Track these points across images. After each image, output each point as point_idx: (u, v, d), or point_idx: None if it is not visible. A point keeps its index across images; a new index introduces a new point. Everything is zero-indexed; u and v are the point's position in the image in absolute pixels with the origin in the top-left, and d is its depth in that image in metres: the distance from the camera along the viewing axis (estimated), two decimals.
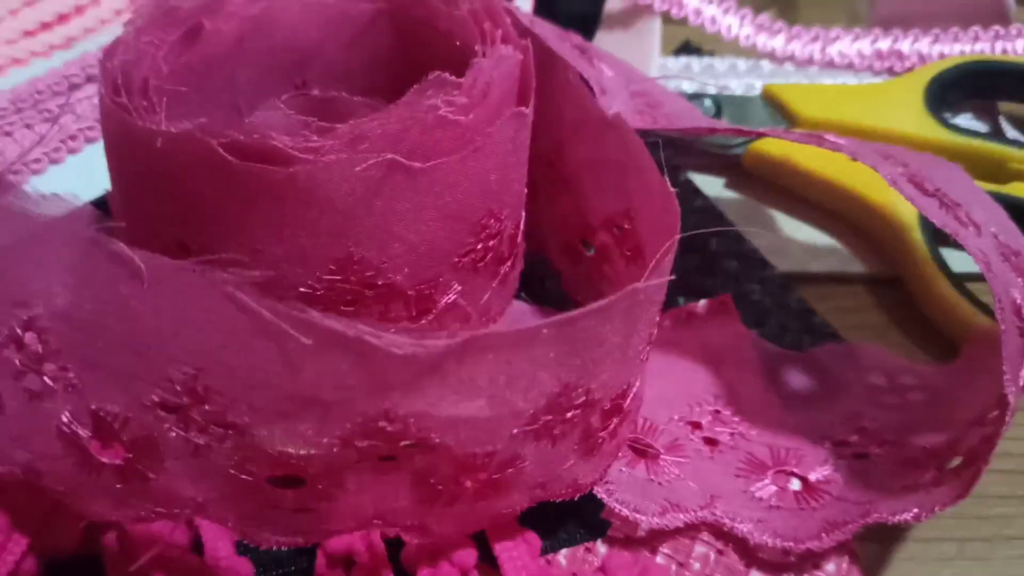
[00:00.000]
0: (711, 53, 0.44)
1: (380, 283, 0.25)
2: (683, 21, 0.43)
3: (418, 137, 0.23)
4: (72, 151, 0.36)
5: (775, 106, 0.39)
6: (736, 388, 0.30)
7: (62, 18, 0.40)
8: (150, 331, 0.20)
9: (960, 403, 0.28)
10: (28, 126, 0.36)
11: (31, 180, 0.35)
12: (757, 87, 0.41)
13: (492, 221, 0.26)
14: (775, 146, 0.37)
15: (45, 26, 0.40)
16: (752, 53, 0.43)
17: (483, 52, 0.25)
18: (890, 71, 0.42)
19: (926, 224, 0.34)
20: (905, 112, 0.37)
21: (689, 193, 0.37)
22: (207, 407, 0.20)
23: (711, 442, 0.28)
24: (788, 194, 0.37)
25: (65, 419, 0.21)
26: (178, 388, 0.20)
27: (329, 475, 0.21)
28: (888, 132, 0.37)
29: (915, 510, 0.25)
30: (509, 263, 0.28)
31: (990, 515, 0.28)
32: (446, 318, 0.26)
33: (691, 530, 0.26)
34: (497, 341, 0.20)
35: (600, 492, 0.25)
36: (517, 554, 0.24)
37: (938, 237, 0.33)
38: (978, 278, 0.33)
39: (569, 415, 0.22)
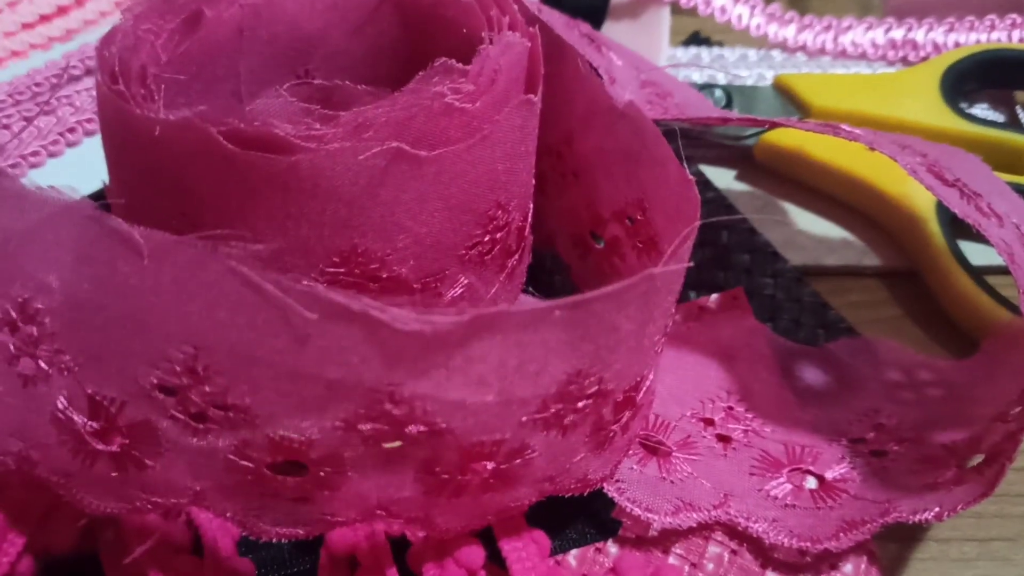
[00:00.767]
0: (720, 44, 0.44)
1: (385, 276, 0.24)
2: (692, 11, 0.43)
3: (424, 125, 0.23)
4: (71, 144, 0.36)
5: (787, 96, 0.38)
6: (749, 384, 0.29)
7: (61, 10, 0.40)
8: (149, 309, 0.19)
9: (980, 399, 0.27)
10: (26, 119, 0.35)
11: (29, 174, 0.34)
12: (768, 77, 0.40)
13: (499, 212, 0.25)
14: (788, 137, 0.36)
15: (44, 18, 0.39)
16: (763, 43, 0.43)
17: (490, 39, 0.25)
18: (904, 61, 0.42)
19: (943, 216, 0.33)
20: (921, 102, 0.37)
21: (700, 185, 0.36)
22: (207, 388, 0.20)
23: (724, 439, 0.28)
24: (801, 186, 0.37)
25: (60, 404, 0.21)
26: (177, 368, 0.20)
27: (331, 461, 0.21)
28: (903, 122, 0.36)
29: (936, 509, 0.24)
30: (517, 256, 0.27)
31: (1012, 514, 0.28)
32: None
33: (704, 530, 0.26)
34: (506, 320, 0.19)
35: (611, 490, 0.25)
36: (526, 554, 0.24)
37: (955, 229, 0.33)
38: (995, 271, 0.32)
39: (580, 405, 0.21)
